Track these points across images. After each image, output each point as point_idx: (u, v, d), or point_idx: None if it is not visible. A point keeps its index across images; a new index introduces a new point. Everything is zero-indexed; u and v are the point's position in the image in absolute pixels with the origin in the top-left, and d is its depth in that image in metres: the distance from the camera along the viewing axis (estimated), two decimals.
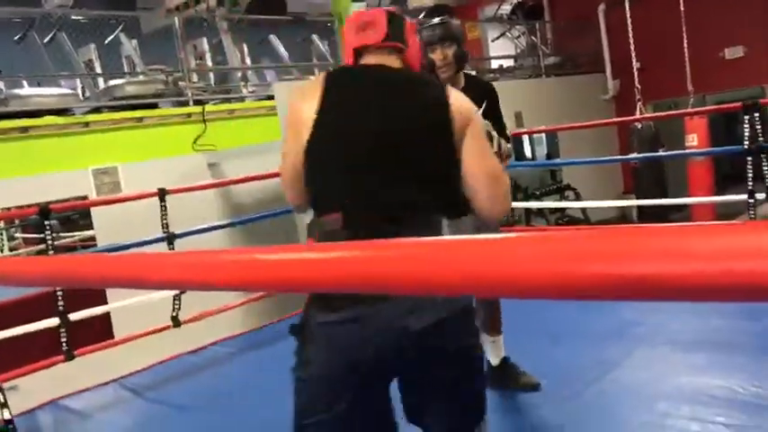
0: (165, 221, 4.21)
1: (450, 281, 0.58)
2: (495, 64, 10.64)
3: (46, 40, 6.54)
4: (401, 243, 0.64)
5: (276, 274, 0.71)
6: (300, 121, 1.60)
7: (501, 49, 10.85)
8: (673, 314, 3.64)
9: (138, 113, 5.99)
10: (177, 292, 4.25)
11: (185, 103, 6.47)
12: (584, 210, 9.24)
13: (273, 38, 8.73)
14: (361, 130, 1.60)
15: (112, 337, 4.74)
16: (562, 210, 9.22)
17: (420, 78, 1.77)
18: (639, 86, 7.87)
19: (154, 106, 6.28)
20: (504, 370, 3.01)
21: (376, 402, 1.58)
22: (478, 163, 1.63)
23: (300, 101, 1.63)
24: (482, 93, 2.78)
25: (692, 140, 8.10)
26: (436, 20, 2.78)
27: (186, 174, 5.88)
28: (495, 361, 3.03)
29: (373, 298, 1.43)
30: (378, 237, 1.43)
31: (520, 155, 9.43)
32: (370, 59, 1.71)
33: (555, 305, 3.45)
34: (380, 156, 1.58)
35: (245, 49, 8.31)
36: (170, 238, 4.19)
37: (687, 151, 8.06)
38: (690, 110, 7.38)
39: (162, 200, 4.17)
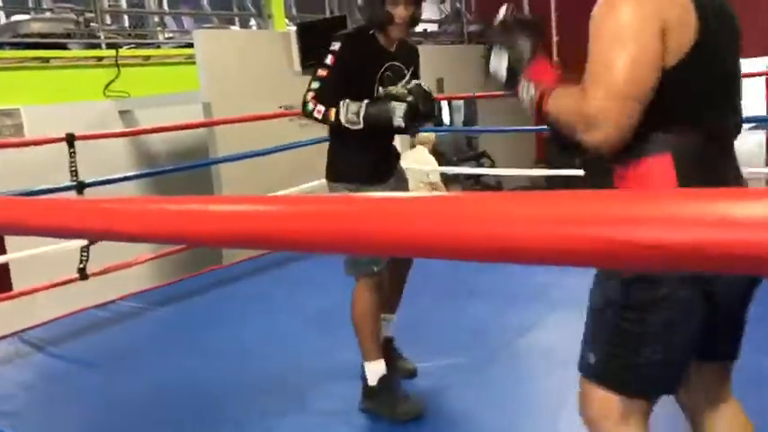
0: (73, 169, 3.98)
1: (405, 239, 0.55)
2: (419, 28, 10.57)
3: None
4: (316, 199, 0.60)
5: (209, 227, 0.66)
6: (668, 21, 1.31)
7: (426, 13, 10.78)
8: (588, 276, 3.76)
9: (44, 53, 5.65)
10: (85, 243, 4.06)
11: (97, 46, 6.14)
12: (497, 177, 9.40)
13: None
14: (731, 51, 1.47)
15: (11, 288, 4.50)
16: (477, 176, 9.35)
17: None
18: (558, 57, 8.02)
19: (62, 47, 5.93)
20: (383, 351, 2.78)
21: None
22: None
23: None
24: (412, 55, 2.73)
25: None
26: None
27: (96, 120, 5.62)
28: None
29: None
30: (727, 162, 1.45)
31: (438, 121, 9.48)
32: None
33: (475, 266, 3.50)
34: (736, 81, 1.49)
35: None
36: (79, 187, 3.97)
37: None
38: None
39: (71, 146, 3.94)
